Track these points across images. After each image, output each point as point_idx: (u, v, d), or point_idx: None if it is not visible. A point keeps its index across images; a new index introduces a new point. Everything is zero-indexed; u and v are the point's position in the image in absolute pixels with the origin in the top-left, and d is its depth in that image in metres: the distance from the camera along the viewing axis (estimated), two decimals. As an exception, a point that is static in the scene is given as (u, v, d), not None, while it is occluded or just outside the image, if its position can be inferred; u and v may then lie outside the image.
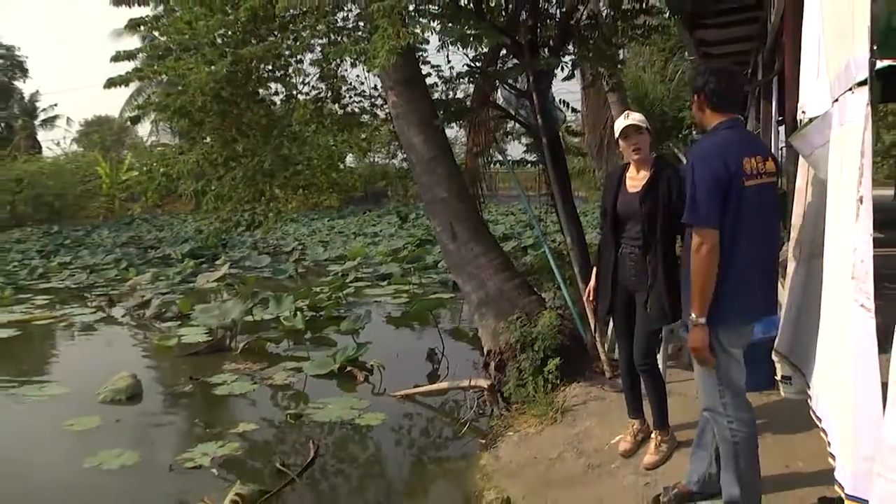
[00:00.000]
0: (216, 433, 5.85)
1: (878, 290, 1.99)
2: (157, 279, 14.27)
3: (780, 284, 4.79)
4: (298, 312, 9.19)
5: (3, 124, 44.01)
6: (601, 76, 7.71)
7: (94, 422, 6.25)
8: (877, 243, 1.99)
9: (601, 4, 6.28)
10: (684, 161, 8.89)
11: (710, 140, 3.04)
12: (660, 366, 4.80)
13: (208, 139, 7.60)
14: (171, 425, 6.48)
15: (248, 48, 5.76)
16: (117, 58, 6.84)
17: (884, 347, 1.99)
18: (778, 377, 4.46)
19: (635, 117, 3.87)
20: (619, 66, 7.98)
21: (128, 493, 4.96)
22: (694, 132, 13.83)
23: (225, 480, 4.92)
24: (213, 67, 5.94)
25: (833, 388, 2.37)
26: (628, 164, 3.99)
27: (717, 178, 2.87)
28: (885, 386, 1.91)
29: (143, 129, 39.52)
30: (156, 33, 7.21)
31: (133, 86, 21.05)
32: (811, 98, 3.28)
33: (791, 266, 3.46)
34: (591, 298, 4.24)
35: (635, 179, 3.90)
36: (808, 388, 2.90)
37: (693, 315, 2.96)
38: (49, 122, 44.69)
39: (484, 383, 5.91)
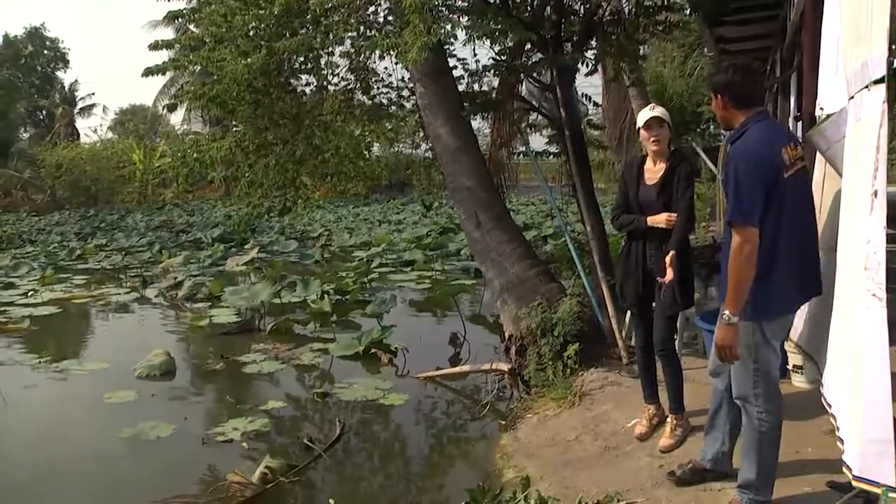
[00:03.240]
0: (246, 409, 6.07)
1: (889, 283, 2.08)
2: (188, 262, 14.64)
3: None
4: (325, 296, 9.41)
5: (45, 112, 45.21)
6: (623, 71, 7.77)
7: (131, 395, 6.53)
8: (890, 238, 2.09)
9: (624, 1, 6.36)
10: (702, 154, 8.92)
11: (749, 137, 3.00)
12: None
13: (241, 127, 7.80)
14: (203, 401, 6.75)
15: (282, 41, 5.93)
16: (156, 46, 7.06)
17: (892, 338, 2.11)
18: (790, 367, 4.59)
19: (660, 110, 3.98)
20: (640, 61, 8.02)
21: (163, 463, 5.21)
22: (712, 128, 13.83)
23: (254, 454, 5.13)
24: (248, 59, 6.12)
25: (843, 374, 2.46)
26: (646, 155, 4.11)
27: (761, 177, 2.86)
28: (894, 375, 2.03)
29: (176, 117, 40.13)
30: (191, 25, 7.42)
31: (166, 76, 21.42)
32: (829, 95, 3.35)
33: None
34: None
35: (652, 172, 4.04)
36: (820, 373, 2.99)
37: (727, 313, 2.90)
38: (87, 110, 46.00)
39: (504, 367, 6.07)
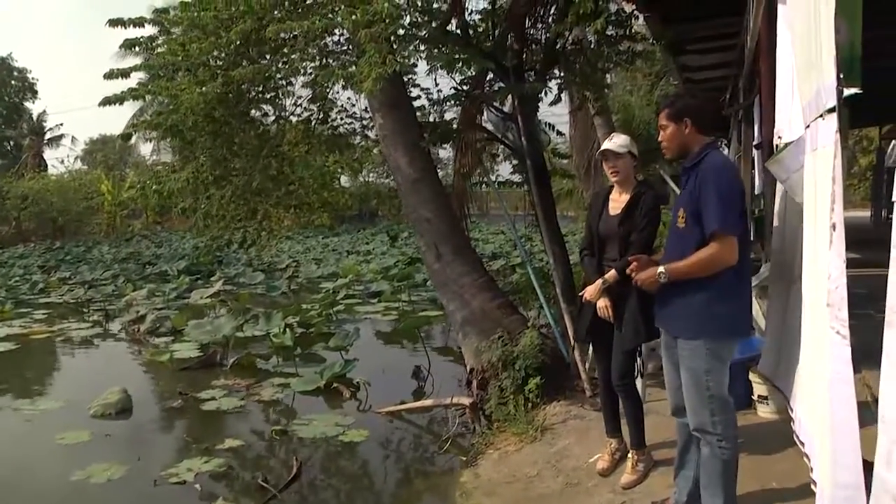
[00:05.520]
0: (203, 448, 5.90)
1: (853, 309, 2.02)
2: (153, 295, 14.35)
3: (758, 305, 4.87)
4: (287, 329, 9.26)
5: (12, 143, 44.78)
6: (588, 100, 7.78)
7: (84, 436, 6.30)
8: (853, 263, 2.04)
9: (587, 30, 6.36)
10: (670, 182, 8.92)
11: (721, 157, 3.07)
12: (639, 385, 4.86)
13: (201, 158, 7.67)
14: (160, 440, 6.53)
15: (238, 70, 5.85)
16: (110, 75, 6.93)
17: (857, 367, 2.05)
18: (755, 397, 4.54)
19: (616, 141, 3.92)
20: (605, 90, 8.04)
21: (112, 507, 5.00)
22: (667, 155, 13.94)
23: (208, 496, 4.96)
24: (203, 88, 6.03)
25: (814, 414, 2.40)
26: (612, 186, 4.06)
27: (739, 191, 2.96)
28: (861, 405, 1.96)
29: (147, 147, 39.97)
30: (151, 53, 7.30)
31: (136, 105, 21.15)
32: (786, 123, 3.34)
33: (771, 288, 3.52)
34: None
35: (616, 202, 3.98)
36: (791, 410, 2.93)
37: (665, 274, 3.05)
38: (55, 140, 45.53)
39: (466, 401, 5.96)
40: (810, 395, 2.50)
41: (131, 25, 6.82)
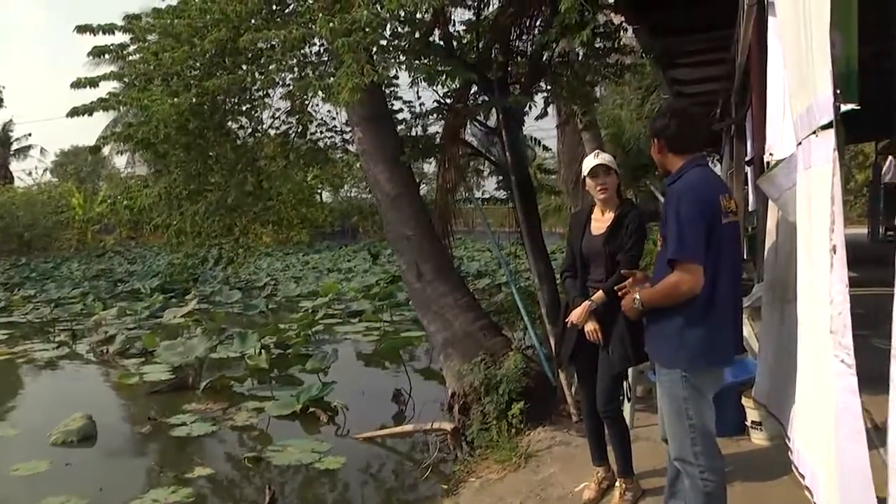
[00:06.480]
0: (171, 477, 5.66)
1: (858, 331, 1.91)
2: (124, 314, 13.99)
3: (750, 326, 4.73)
4: (263, 350, 9.01)
5: (-26, 154, 44.06)
6: (575, 114, 7.66)
7: (43, 466, 6.01)
8: (851, 282, 1.91)
9: (574, 42, 6.23)
10: (661, 198, 8.81)
11: (692, 177, 2.95)
12: (627, 410, 4.70)
13: (174, 172, 7.43)
14: (125, 469, 6.25)
15: (212, 80, 5.64)
16: (77, 84, 6.65)
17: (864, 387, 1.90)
18: (748, 422, 4.41)
19: (605, 157, 3.85)
20: (593, 104, 7.93)
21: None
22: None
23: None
24: (176, 99, 5.81)
25: (817, 446, 2.26)
26: (594, 205, 3.96)
27: (704, 215, 2.81)
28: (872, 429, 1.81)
29: (121, 159, 39.44)
30: (122, 61, 7.07)
31: (110, 116, 20.74)
32: (778, 140, 3.24)
33: (764, 310, 3.37)
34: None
35: (600, 221, 3.87)
36: (788, 438, 2.79)
37: (640, 301, 3.01)
38: (22, 151, 44.73)
39: (448, 426, 5.78)
40: (811, 425, 2.36)
41: (101, 32, 6.56)
